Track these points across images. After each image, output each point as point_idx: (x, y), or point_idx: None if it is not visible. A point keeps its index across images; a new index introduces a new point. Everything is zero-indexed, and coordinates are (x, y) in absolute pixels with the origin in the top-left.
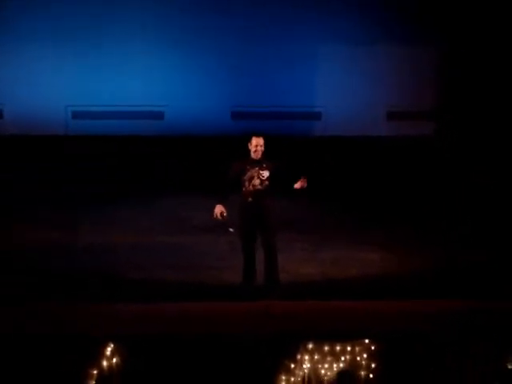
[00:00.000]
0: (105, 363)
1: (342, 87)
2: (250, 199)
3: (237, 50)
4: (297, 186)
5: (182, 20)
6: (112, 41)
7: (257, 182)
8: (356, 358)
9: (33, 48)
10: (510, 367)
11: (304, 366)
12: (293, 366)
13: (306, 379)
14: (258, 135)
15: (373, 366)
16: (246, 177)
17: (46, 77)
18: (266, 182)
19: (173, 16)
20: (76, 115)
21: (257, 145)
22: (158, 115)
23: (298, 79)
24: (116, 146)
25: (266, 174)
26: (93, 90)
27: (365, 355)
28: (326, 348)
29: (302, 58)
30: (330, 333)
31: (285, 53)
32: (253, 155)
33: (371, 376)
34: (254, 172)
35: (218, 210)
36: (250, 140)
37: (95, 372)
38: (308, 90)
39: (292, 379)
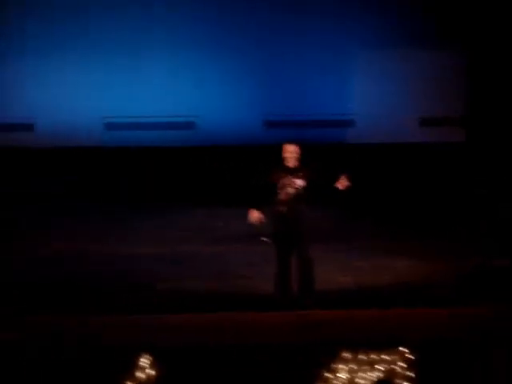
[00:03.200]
0: (139, 375)
1: (375, 94)
2: (283, 208)
3: (268, 59)
4: (339, 185)
5: (213, 30)
6: (144, 52)
7: (290, 190)
8: (392, 367)
9: (65, 59)
10: None
11: (340, 376)
12: (329, 375)
13: None
14: (290, 143)
15: (408, 374)
16: (280, 185)
17: (80, 88)
18: (300, 191)
19: (203, 26)
20: (109, 126)
21: (289, 152)
22: (189, 125)
23: (331, 87)
24: (148, 157)
25: (299, 182)
26: (126, 101)
27: (400, 364)
28: (362, 357)
29: (334, 65)
30: (365, 341)
31: (317, 61)
32: (287, 163)
33: None
34: (287, 180)
35: (254, 214)
36: (283, 148)
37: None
38: (340, 98)
39: None
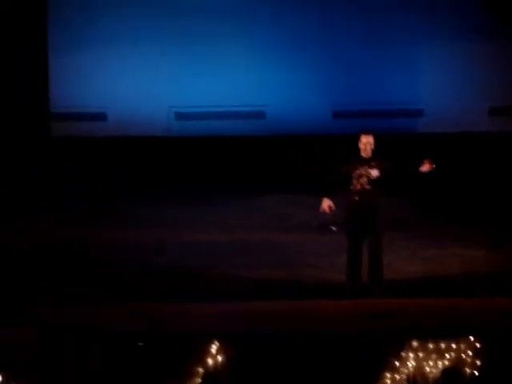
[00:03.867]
0: (210, 361)
1: (444, 83)
2: (356, 198)
3: (337, 49)
4: (424, 169)
5: (282, 18)
6: (213, 41)
7: (365, 180)
8: (460, 356)
9: (135, 49)
10: None
11: (409, 364)
12: (397, 363)
13: (411, 377)
14: (367, 133)
15: (478, 363)
16: (355, 175)
17: (149, 78)
18: (375, 182)
19: (272, 15)
20: (179, 116)
21: (366, 143)
22: (260, 115)
23: (400, 77)
24: (218, 147)
25: (374, 173)
26: (195, 91)
27: (470, 353)
28: (431, 345)
29: (403, 55)
30: (434, 330)
31: (386, 51)
32: (362, 153)
33: (476, 373)
34: (362, 170)
35: (326, 203)
36: (359, 138)
37: (201, 370)
38: (410, 88)
39: (397, 377)
